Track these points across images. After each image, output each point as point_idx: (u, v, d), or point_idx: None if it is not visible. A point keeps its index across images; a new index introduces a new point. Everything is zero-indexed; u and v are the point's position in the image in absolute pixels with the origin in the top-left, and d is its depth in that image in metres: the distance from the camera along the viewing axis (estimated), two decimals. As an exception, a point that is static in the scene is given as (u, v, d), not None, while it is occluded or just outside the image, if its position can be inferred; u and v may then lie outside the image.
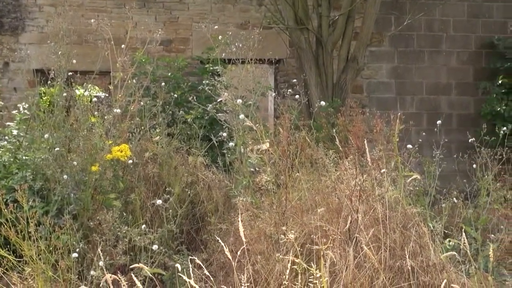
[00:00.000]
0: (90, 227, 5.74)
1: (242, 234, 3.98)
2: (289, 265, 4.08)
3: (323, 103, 6.94)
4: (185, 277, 3.78)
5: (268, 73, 11.05)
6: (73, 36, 7.09)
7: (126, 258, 5.32)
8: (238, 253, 4.03)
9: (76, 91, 7.32)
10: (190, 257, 5.50)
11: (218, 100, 7.05)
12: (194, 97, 7.22)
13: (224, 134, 6.66)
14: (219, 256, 5.61)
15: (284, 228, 4.83)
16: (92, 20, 7.05)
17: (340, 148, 5.80)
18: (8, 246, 4.94)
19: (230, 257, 3.93)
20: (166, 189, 6.36)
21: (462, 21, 12.06)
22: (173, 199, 5.98)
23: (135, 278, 3.94)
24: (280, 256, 4.59)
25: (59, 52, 6.68)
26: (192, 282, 3.73)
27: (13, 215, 4.76)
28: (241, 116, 5.97)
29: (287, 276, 3.97)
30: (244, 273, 3.94)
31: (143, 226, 5.48)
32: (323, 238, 4.51)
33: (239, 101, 6.12)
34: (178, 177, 6.53)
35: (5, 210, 4.79)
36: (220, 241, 4.24)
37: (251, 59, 6.90)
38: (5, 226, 4.73)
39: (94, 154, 6.31)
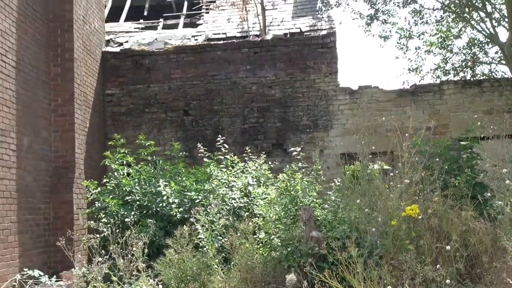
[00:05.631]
0: (393, 265, 6.75)
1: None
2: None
3: None
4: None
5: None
6: (370, 130, 8.54)
7: (422, 289, 6.27)
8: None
9: (369, 166, 8.67)
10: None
11: (480, 170, 7.92)
12: (469, 169, 8.17)
13: (488, 194, 7.70)
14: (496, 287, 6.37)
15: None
16: (383, 118, 8.42)
17: None
18: (344, 282, 6.34)
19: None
20: (446, 236, 7.15)
21: None
22: (452, 244, 6.79)
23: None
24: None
25: (362, 142, 8.27)
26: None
27: (346, 260, 6.16)
28: (507, 181, 6.92)
29: None
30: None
31: (438, 266, 6.41)
32: None
33: (505, 170, 7.06)
34: (454, 226, 7.18)
35: (340, 256, 6.24)
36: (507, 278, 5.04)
37: (505, 135, 7.87)
38: (340, 268, 6.20)
39: (392, 212, 7.40)
